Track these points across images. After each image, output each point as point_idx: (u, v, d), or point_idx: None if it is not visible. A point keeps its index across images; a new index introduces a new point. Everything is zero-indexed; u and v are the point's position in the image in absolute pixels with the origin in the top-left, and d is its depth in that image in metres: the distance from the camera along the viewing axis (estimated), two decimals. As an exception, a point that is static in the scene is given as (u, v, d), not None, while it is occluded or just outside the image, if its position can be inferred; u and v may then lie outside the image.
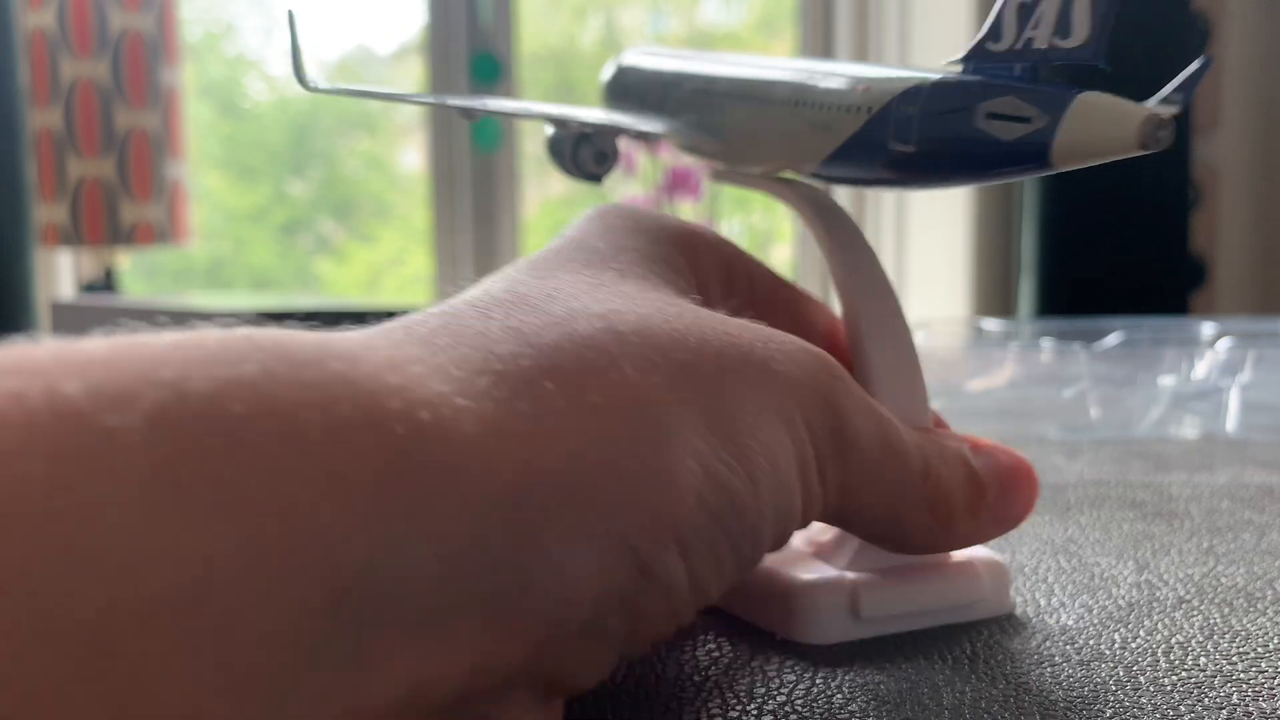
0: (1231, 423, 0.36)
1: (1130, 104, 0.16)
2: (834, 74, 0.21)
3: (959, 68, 0.19)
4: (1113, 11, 0.16)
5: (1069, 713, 0.17)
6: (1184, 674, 0.19)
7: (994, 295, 1.23)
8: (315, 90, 0.24)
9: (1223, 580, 0.24)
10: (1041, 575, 0.24)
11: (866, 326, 0.21)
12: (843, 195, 1.47)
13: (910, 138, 0.18)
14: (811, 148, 0.21)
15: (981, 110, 0.18)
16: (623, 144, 0.27)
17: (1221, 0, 1.14)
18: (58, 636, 0.09)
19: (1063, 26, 0.17)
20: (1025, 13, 0.17)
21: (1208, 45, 1.12)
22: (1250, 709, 0.17)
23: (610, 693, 0.18)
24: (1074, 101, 0.17)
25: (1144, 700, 0.18)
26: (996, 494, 0.19)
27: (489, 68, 1.40)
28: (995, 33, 0.18)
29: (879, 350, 0.21)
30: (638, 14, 1.80)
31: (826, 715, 0.17)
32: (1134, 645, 0.20)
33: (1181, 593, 0.23)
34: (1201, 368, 0.36)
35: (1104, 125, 0.16)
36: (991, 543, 0.21)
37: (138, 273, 1.63)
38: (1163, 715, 0.17)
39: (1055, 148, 0.17)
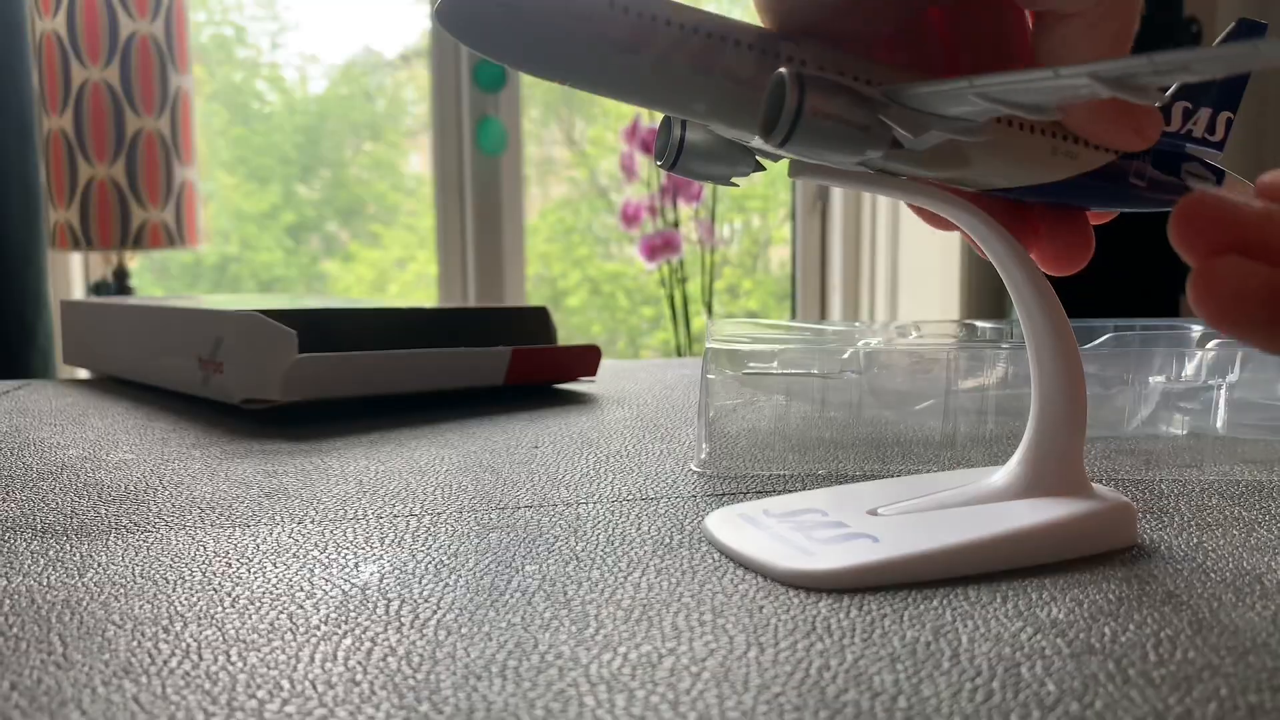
0: (1220, 421, 0.36)
1: (1245, 181, 0.27)
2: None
3: None
4: (1232, 124, 0.28)
5: (1060, 705, 0.18)
6: (1173, 667, 0.19)
7: (986, 297, 1.23)
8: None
9: (1211, 575, 0.24)
10: (1033, 569, 0.25)
11: (1025, 327, 0.27)
12: (839, 198, 1.47)
13: (1145, 177, 0.27)
14: (1045, 169, 0.26)
15: (1184, 168, 0.28)
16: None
17: (1211, 5, 1.14)
18: None
19: (1210, 128, 0.28)
20: (1187, 114, 0.28)
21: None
22: (1238, 702, 0.18)
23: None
24: (1226, 175, 0.28)
25: (1134, 693, 0.18)
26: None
27: (492, 73, 1.41)
28: (1165, 119, 0.27)
29: (1034, 346, 0.27)
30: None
31: (820, 705, 0.18)
32: (1124, 638, 0.21)
33: (1170, 587, 0.24)
34: (1190, 367, 0.36)
35: (1237, 190, 0.28)
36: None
37: (146, 272, 1.63)
38: (1152, 708, 0.18)
39: None
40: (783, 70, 0.22)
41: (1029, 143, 0.25)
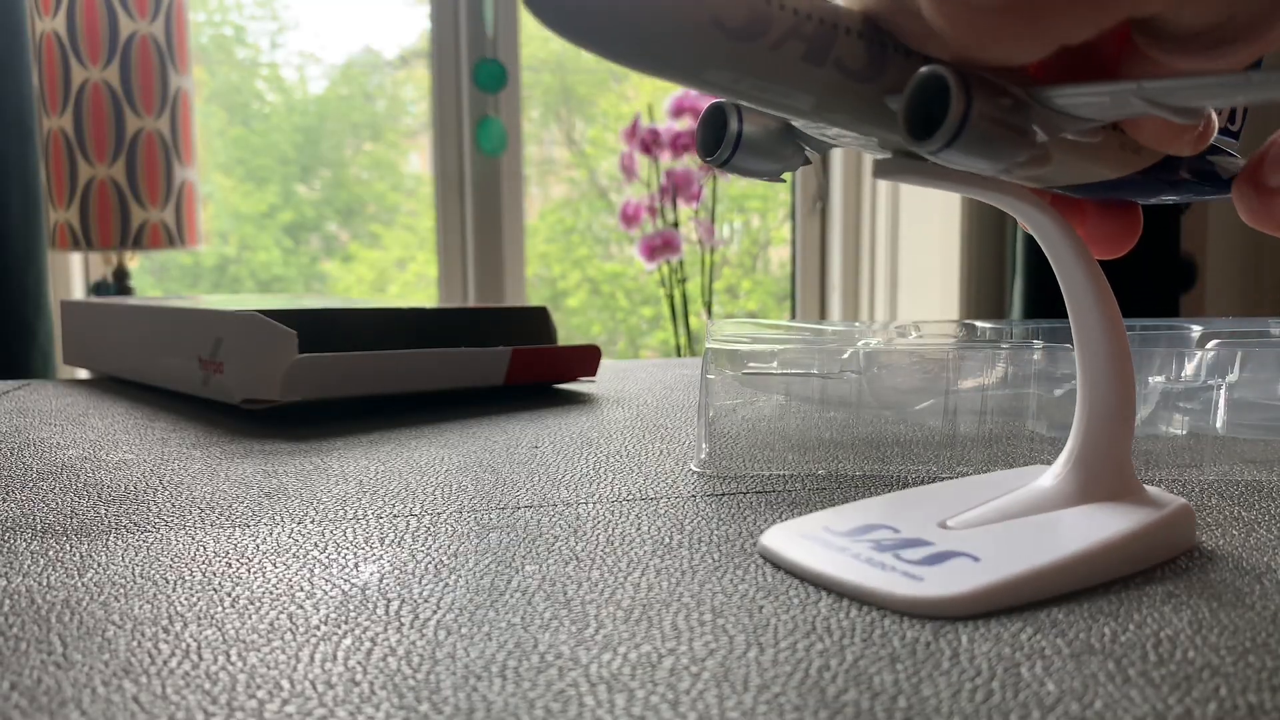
0: (1219, 421, 0.36)
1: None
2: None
3: None
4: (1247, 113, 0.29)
5: (1059, 704, 0.18)
6: (1173, 667, 0.19)
7: (986, 297, 1.24)
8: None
9: (1211, 575, 0.24)
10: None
11: (1075, 327, 0.27)
12: (838, 198, 1.47)
13: (1190, 168, 0.27)
14: (1114, 165, 0.25)
15: (1213, 157, 0.27)
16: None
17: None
18: None
19: (1231, 117, 0.28)
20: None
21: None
22: (1238, 702, 0.18)
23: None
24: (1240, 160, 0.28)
25: (1133, 693, 0.18)
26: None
27: (492, 74, 1.41)
28: None
29: (1084, 348, 0.26)
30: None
31: (820, 705, 0.18)
32: (1124, 638, 0.21)
33: (1170, 587, 0.24)
34: (1190, 367, 0.36)
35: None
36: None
37: (145, 273, 1.63)
38: (1152, 707, 0.18)
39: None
40: (938, 69, 0.20)
41: (1105, 140, 0.25)
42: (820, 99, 0.22)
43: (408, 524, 0.29)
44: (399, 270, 1.84)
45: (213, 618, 0.22)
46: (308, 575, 0.25)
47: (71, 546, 0.27)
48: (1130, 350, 0.26)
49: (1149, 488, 0.27)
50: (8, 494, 0.33)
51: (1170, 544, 0.26)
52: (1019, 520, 0.26)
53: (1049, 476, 0.27)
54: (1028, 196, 0.26)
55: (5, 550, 0.27)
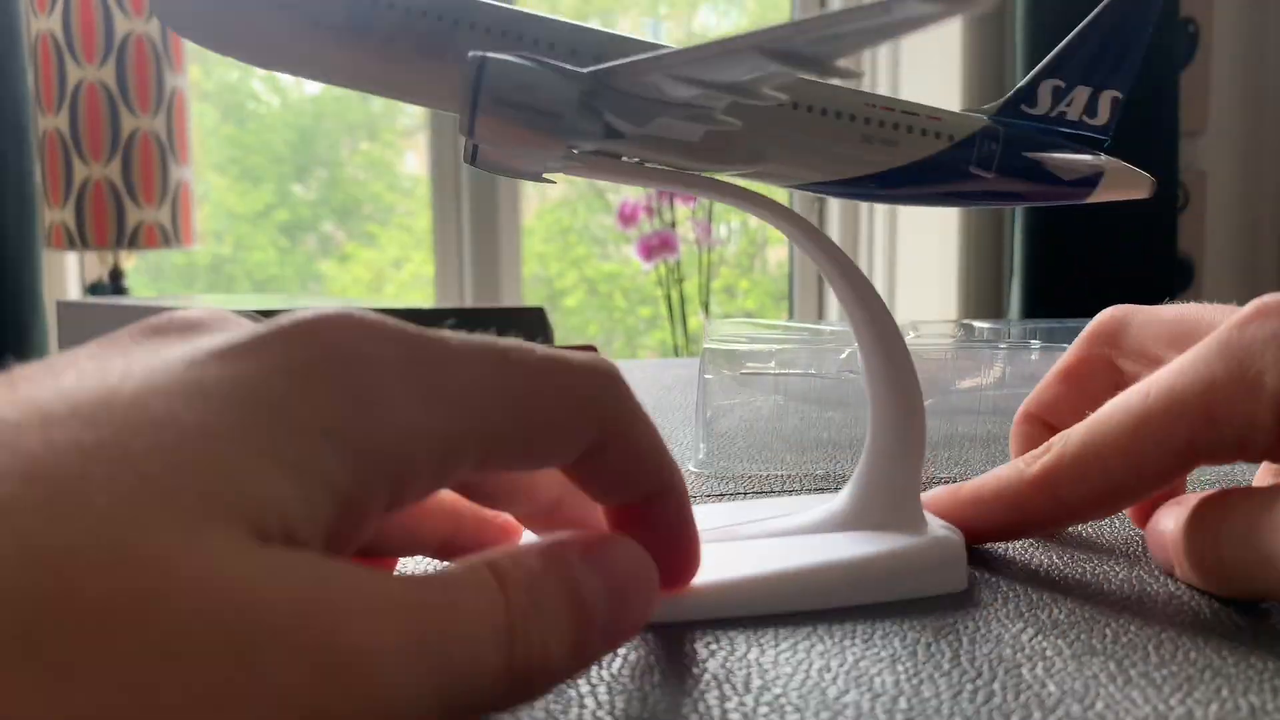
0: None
1: (1136, 170, 0.25)
2: (879, 99, 0.24)
3: (982, 116, 0.24)
4: (1121, 105, 0.24)
5: (1061, 706, 0.18)
6: (1175, 668, 0.19)
7: (984, 297, 1.24)
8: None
9: (1213, 576, 0.24)
10: (1034, 570, 0.25)
11: (857, 338, 0.24)
12: (835, 201, 1.47)
13: (991, 166, 0.24)
14: (859, 162, 0.23)
15: (1046, 156, 0.24)
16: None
17: (1208, 5, 1.15)
18: None
19: (1091, 109, 0.24)
20: (1058, 93, 0.24)
21: (1196, 49, 1.13)
22: (1239, 703, 0.18)
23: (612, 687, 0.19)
24: (1109, 169, 0.24)
25: (1135, 694, 0.18)
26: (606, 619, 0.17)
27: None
28: (1030, 100, 0.24)
29: (866, 366, 0.24)
30: (635, 19, 1.80)
31: (821, 706, 0.18)
32: (1125, 639, 0.20)
33: (1172, 588, 0.24)
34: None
35: (1127, 180, 0.25)
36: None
37: (140, 273, 1.63)
38: (1154, 708, 0.18)
39: (1096, 191, 0.24)
40: (472, 53, 0.20)
41: (833, 129, 0.22)
42: (448, 96, 0.21)
43: (405, 525, 0.29)
44: (395, 270, 1.84)
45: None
46: (305, 576, 0.24)
47: (67, 548, 0.27)
48: (914, 369, 0.24)
49: (935, 522, 0.25)
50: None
51: (917, 579, 0.23)
52: (758, 540, 0.24)
53: (838, 498, 0.25)
54: (769, 203, 0.23)
55: (0, 552, 0.26)
